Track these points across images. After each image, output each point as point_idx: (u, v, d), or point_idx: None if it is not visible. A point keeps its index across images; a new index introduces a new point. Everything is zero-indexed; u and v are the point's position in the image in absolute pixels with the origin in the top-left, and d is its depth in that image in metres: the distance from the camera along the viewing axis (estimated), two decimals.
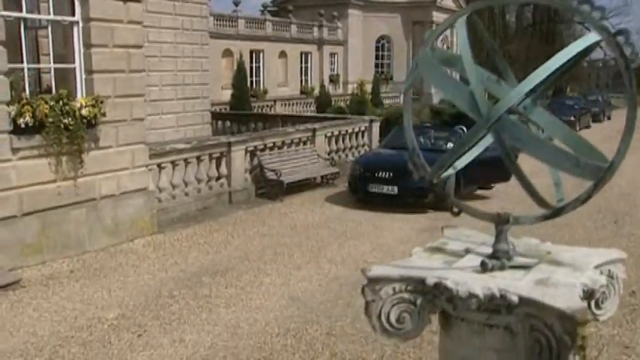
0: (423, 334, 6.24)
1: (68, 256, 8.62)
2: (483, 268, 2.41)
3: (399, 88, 40.27)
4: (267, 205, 12.18)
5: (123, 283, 7.76)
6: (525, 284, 2.28)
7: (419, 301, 2.39)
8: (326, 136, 15.52)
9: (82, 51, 8.69)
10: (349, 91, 36.16)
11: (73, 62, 8.73)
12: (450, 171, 2.61)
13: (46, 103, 7.95)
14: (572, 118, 26.69)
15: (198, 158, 11.61)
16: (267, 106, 27.07)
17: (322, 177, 14.33)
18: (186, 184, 11.40)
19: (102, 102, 8.53)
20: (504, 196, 12.54)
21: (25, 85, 8.24)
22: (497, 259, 2.44)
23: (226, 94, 25.81)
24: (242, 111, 20.79)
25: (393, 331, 2.43)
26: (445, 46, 44.17)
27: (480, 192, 13.24)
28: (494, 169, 11.78)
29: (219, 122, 19.05)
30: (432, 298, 2.39)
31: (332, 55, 38.71)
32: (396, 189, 11.48)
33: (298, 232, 10.25)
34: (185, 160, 11.28)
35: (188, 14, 15.81)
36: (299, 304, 7.12)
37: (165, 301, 7.18)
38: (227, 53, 30.46)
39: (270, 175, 12.78)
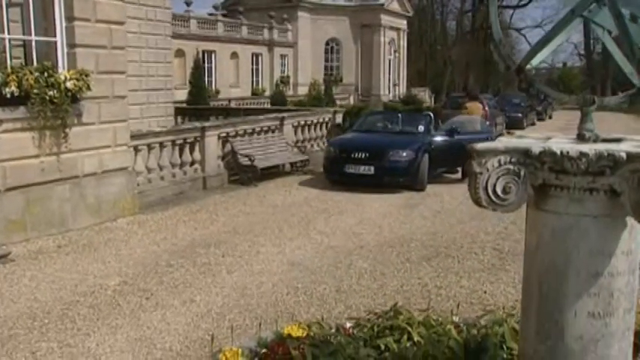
0: (432, 288, 6.43)
1: (52, 233, 8.37)
2: (581, 138, 2.57)
3: (348, 89, 40.80)
4: (242, 190, 12.14)
5: (116, 255, 7.61)
6: (626, 147, 2.45)
7: (522, 172, 2.52)
8: (293, 125, 15.60)
9: (63, 24, 8.49)
10: (299, 92, 36.41)
11: (54, 36, 8.51)
12: (535, 61, 2.74)
13: (31, 73, 7.73)
14: (520, 115, 27.63)
15: (174, 142, 11.49)
16: (222, 105, 26.88)
17: (292, 164, 14.39)
18: (161, 169, 11.26)
19: (87, 75, 8.35)
20: None
21: (7, 55, 7.98)
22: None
23: (180, 94, 25.49)
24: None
25: (498, 202, 2.55)
26: (392, 50, 45.07)
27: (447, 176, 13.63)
28: (466, 153, 12.24)
29: (179, 117, 18.79)
30: (534, 170, 2.52)
31: (282, 56, 38.84)
32: (372, 169, 11.68)
33: (281, 210, 10.29)
34: (161, 143, 11.14)
35: (152, 4, 15.56)
36: (300, 267, 7.17)
37: (164, 269, 7.08)
38: (179, 53, 30.09)
39: (244, 161, 12.75)
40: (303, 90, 36.96)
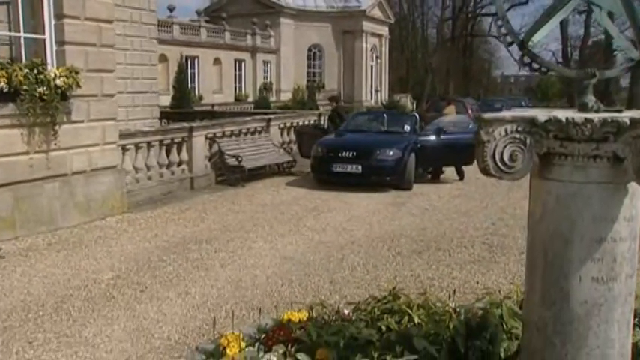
0: (424, 279, 6.50)
1: (41, 232, 8.32)
2: (583, 107, 2.66)
3: (330, 96, 40.90)
4: (230, 191, 12.13)
5: (107, 252, 7.58)
6: (628, 114, 2.55)
7: (528, 141, 2.60)
8: (279, 127, 15.67)
9: (52, 22, 8.46)
10: (282, 98, 36.49)
11: (43, 33, 8.48)
12: (537, 38, 2.82)
13: (21, 70, 7.70)
14: None
15: (161, 142, 11.47)
16: (206, 111, 26.84)
17: (278, 165, 14.43)
18: (148, 169, 11.23)
19: (77, 73, 8.32)
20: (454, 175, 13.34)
21: None
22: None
23: (163, 99, 25.39)
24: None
25: (505, 170, 2.62)
26: (374, 56, 45.36)
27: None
28: (454, 154, 12.46)
29: (164, 121, 18.76)
30: (539, 138, 2.60)
31: (265, 63, 38.88)
32: (360, 168, 11.76)
33: (270, 208, 10.31)
34: (148, 143, 11.12)
35: (137, 7, 15.55)
36: (293, 261, 7.21)
37: (157, 264, 7.07)
38: (162, 59, 29.95)
39: (231, 162, 12.76)
40: (285, 96, 37.05)
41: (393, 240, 8.22)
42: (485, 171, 2.65)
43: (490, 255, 7.54)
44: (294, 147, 15.95)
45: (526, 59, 2.85)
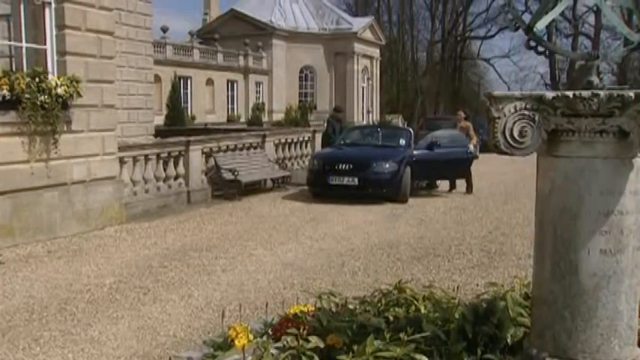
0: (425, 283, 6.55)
1: (40, 240, 8.33)
2: (589, 85, 2.77)
3: (322, 117, 41.12)
4: (227, 204, 12.18)
5: (108, 259, 7.59)
6: (632, 90, 2.66)
7: (537, 117, 2.70)
8: (274, 143, 15.75)
9: (54, 32, 8.57)
10: (274, 119, 36.68)
11: (44, 44, 8.58)
12: (541, 24, 2.94)
13: (23, 78, 7.77)
14: None
15: (158, 156, 11.53)
16: (200, 128, 26.94)
17: (274, 180, 14.50)
18: (146, 182, 11.27)
19: (78, 82, 8.41)
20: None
21: None
22: None
23: (156, 120, 25.47)
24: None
25: (515, 146, 2.72)
26: (366, 77, 45.77)
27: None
28: (447, 167, 12.63)
29: (158, 138, 18.82)
30: (547, 115, 2.71)
31: (257, 84, 39.13)
32: (356, 180, 11.85)
33: (268, 219, 10.35)
34: (146, 156, 11.17)
35: (133, 24, 15.72)
36: (294, 267, 7.25)
37: (158, 270, 7.09)
38: (155, 79, 30.04)
39: (228, 176, 12.82)
40: (278, 117, 37.22)
41: (391, 247, 8.29)
42: (496, 147, 2.75)
43: (489, 261, 7.62)
44: (289, 163, 16.06)
45: (532, 43, 2.96)
